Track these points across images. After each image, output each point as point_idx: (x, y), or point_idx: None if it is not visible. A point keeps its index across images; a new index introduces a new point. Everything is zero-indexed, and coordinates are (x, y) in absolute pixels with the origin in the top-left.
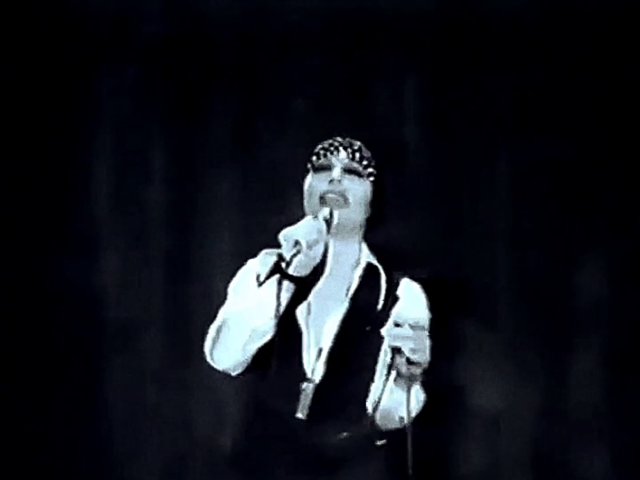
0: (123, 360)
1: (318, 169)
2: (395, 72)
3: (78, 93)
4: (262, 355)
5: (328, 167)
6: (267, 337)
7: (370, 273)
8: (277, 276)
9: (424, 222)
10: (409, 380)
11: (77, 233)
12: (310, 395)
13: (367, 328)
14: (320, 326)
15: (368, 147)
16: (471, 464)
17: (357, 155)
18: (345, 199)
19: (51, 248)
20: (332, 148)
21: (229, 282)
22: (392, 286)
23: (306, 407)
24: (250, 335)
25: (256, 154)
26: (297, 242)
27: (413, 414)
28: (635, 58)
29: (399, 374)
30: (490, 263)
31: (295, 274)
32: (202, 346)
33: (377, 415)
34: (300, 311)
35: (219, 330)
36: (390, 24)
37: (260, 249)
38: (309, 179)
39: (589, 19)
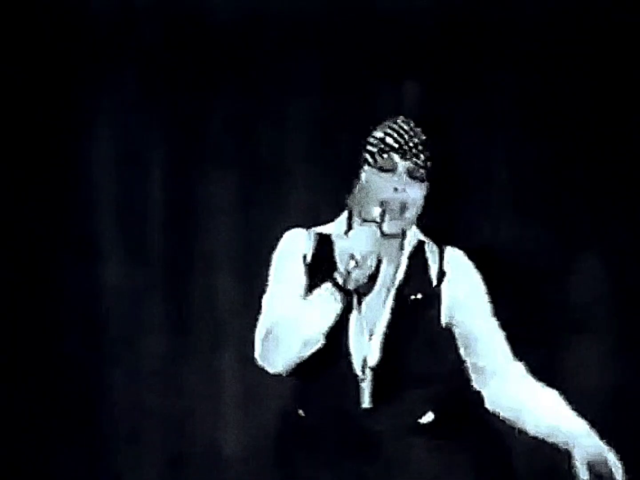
0: (123, 360)
1: (382, 169)
2: (395, 72)
3: (78, 93)
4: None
5: (392, 170)
6: (320, 344)
7: (418, 252)
8: (330, 289)
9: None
10: None
11: (77, 234)
12: (372, 383)
13: (417, 296)
14: (374, 313)
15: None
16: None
17: (422, 157)
18: (405, 207)
19: (51, 249)
20: (396, 145)
21: (229, 281)
22: (441, 260)
23: (369, 395)
24: (303, 344)
25: (256, 154)
26: (352, 256)
27: None
28: (635, 58)
29: None
30: (491, 263)
31: (351, 288)
32: (202, 346)
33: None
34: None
35: (268, 335)
36: (390, 24)
37: (261, 249)
38: (371, 177)
39: (589, 19)
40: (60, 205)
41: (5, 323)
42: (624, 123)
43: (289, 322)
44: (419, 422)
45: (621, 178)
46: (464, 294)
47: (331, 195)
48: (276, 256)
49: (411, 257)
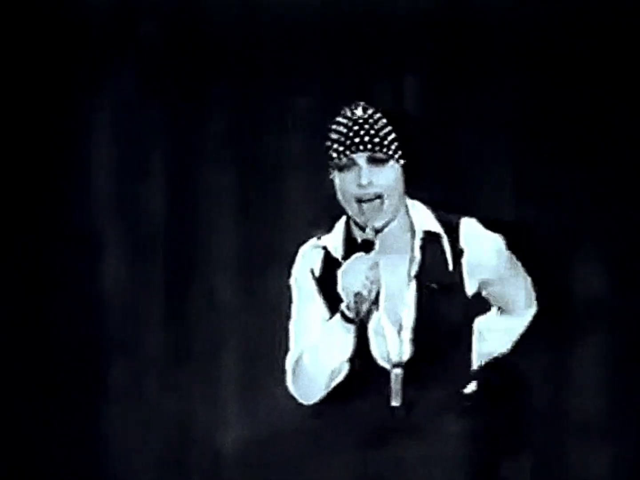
0: (123, 359)
1: (342, 168)
2: (395, 72)
3: (78, 93)
4: None
5: (352, 164)
6: (345, 372)
7: (429, 239)
8: (340, 322)
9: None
10: None
11: (78, 234)
12: (401, 380)
13: (433, 285)
14: (395, 310)
15: None
16: (474, 465)
17: (377, 139)
18: (381, 197)
19: (52, 248)
20: (348, 142)
21: (229, 280)
22: (454, 239)
23: (399, 392)
24: (329, 376)
25: (256, 154)
26: (357, 294)
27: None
28: (635, 58)
29: None
30: None
31: (357, 319)
32: (202, 345)
33: None
34: None
35: (296, 369)
36: (390, 21)
37: (262, 249)
38: (337, 180)
39: (588, 17)
40: (61, 205)
41: (5, 322)
42: (624, 123)
43: (313, 355)
44: (460, 399)
45: (621, 177)
46: (486, 259)
47: (332, 195)
48: (294, 274)
49: (423, 248)
